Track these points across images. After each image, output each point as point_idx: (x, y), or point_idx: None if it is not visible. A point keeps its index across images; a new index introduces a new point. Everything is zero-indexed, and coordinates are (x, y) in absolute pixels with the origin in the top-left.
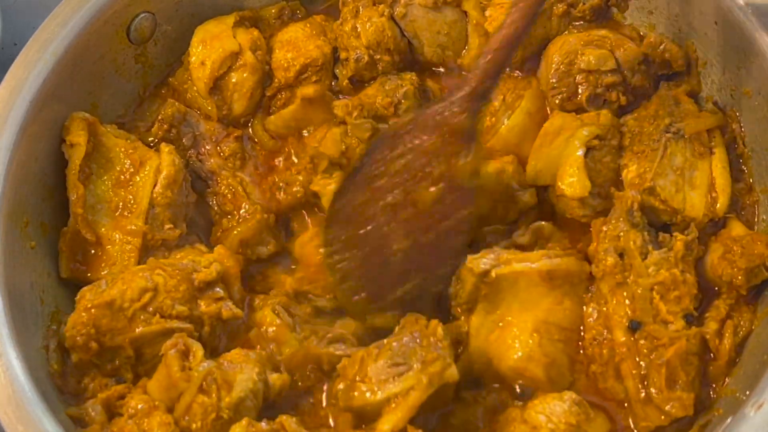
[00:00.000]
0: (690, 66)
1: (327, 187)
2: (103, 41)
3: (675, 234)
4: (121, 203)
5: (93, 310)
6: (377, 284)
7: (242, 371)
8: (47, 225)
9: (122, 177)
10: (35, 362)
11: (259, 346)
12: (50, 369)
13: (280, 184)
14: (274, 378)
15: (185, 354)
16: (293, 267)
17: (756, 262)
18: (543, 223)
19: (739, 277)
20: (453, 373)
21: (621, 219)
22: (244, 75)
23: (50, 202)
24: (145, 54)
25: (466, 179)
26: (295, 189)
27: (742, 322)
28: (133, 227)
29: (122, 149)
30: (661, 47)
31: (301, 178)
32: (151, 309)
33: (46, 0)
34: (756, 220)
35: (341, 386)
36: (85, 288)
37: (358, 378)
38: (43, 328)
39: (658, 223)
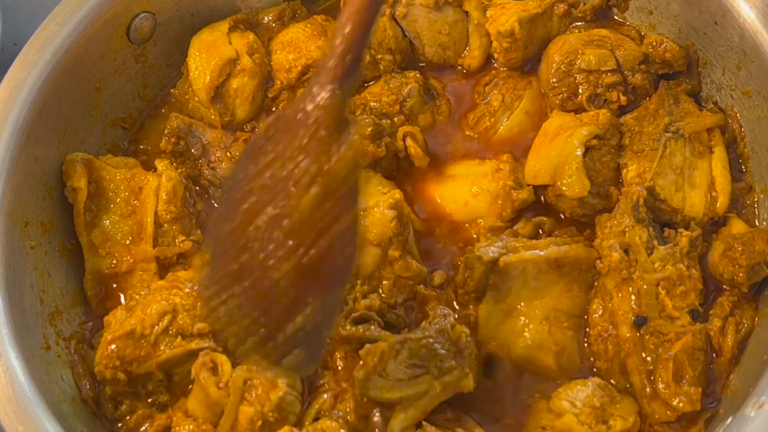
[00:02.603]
0: (690, 65)
1: None
2: (103, 41)
3: (680, 230)
4: (130, 233)
5: (116, 343)
6: (268, 322)
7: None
8: (47, 225)
9: (126, 207)
10: (35, 362)
11: None
12: (84, 397)
13: None
14: None
15: (214, 369)
16: None
17: (757, 259)
18: (544, 218)
19: (741, 275)
20: (469, 384)
21: (626, 214)
22: (244, 80)
23: (50, 202)
24: (145, 54)
25: (342, 176)
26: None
27: (744, 320)
28: (146, 254)
29: (121, 180)
30: (662, 47)
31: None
32: (172, 331)
33: (46, 0)
34: (756, 220)
35: (360, 375)
36: (109, 315)
37: (376, 370)
38: (43, 328)
39: (659, 220)
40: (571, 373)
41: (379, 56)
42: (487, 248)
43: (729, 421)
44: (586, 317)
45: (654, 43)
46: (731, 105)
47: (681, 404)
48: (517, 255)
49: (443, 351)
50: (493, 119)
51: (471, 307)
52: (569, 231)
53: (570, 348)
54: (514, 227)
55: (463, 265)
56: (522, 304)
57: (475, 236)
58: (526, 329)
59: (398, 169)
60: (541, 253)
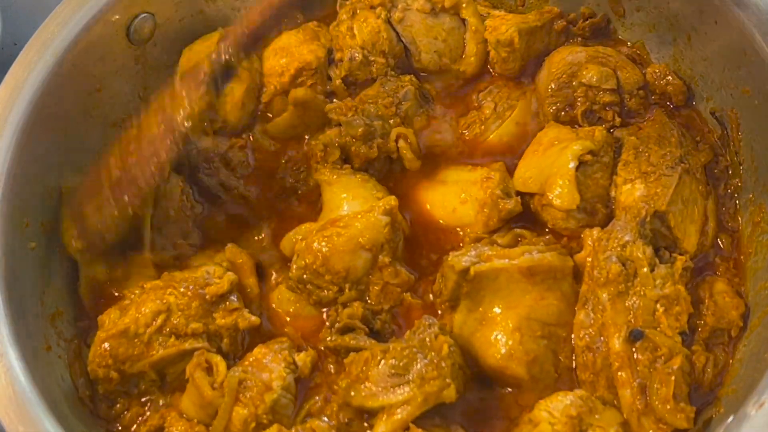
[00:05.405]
0: (688, 101)
1: (332, 177)
2: (103, 41)
3: (674, 254)
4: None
5: (109, 342)
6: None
7: (270, 370)
8: (47, 226)
9: None
10: (36, 363)
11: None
12: (81, 395)
13: (292, 180)
14: (301, 357)
15: (209, 370)
16: (289, 264)
17: (723, 326)
18: (525, 231)
19: (705, 333)
20: (450, 394)
21: (628, 229)
22: (233, 86)
23: (50, 203)
24: (144, 55)
25: (179, 125)
26: (311, 184)
27: (720, 356)
28: (142, 259)
29: None
30: (665, 79)
31: (308, 175)
32: (166, 330)
33: (46, 0)
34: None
35: (344, 383)
36: (103, 314)
37: (359, 379)
38: (44, 329)
39: (653, 244)
40: (545, 383)
41: (372, 58)
42: (460, 257)
43: (730, 419)
44: (564, 325)
45: (657, 73)
46: (731, 105)
47: (679, 421)
48: (489, 264)
49: (426, 360)
50: (483, 126)
51: (447, 316)
52: (545, 239)
53: (543, 357)
54: (493, 236)
55: (439, 273)
56: (494, 312)
57: (461, 244)
58: (498, 339)
59: (390, 172)
60: (514, 261)
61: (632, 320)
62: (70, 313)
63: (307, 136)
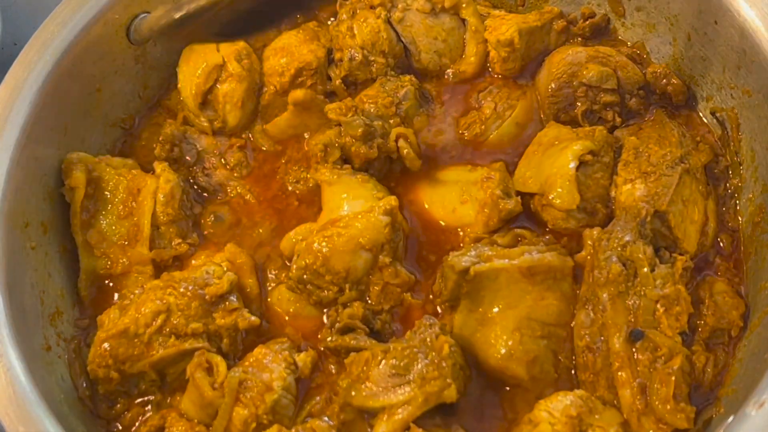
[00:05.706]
0: (688, 101)
1: (333, 178)
2: (103, 41)
3: (674, 254)
4: (126, 234)
5: (109, 342)
6: None
7: (271, 370)
8: (47, 225)
9: (124, 209)
10: (36, 363)
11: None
12: (81, 395)
13: (291, 180)
14: (302, 357)
15: (209, 370)
16: (287, 263)
17: (723, 326)
18: (525, 231)
19: (705, 333)
20: (451, 394)
21: (628, 229)
22: (232, 85)
23: (50, 203)
24: (144, 54)
25: None
26: (310, 184)
27: (720, 356)
28: (141, 256)
29: (120, 181)
30: (665, 80)
31: (307, 175)
32: (166, 330)
33: (46, 0)
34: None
35: (344, 383)
36: (102, 314)
37: (360, 379)
38: (44, 328)
39: (653, 244)
40: (545, 383)
41: (372, 58)
42: (460, 257)
43: (730, 419)
44: (564, 325)
45: (657, 73)
46: (731, 105)
47: (679, 421)
48: (489, 264)
49: (426, 360)
50: (483, 126)
51: (447, 316)
52: (545, 239)
53: (543, 358)
54: (493, 236)
55: (439, 274)
56: (494, 312)
57: (461, 245)
58: (498, 339)
59: (390, 172)
60: (514, 261)
61: (632, 320)
62: (70, 313)
63: (307, 136)
